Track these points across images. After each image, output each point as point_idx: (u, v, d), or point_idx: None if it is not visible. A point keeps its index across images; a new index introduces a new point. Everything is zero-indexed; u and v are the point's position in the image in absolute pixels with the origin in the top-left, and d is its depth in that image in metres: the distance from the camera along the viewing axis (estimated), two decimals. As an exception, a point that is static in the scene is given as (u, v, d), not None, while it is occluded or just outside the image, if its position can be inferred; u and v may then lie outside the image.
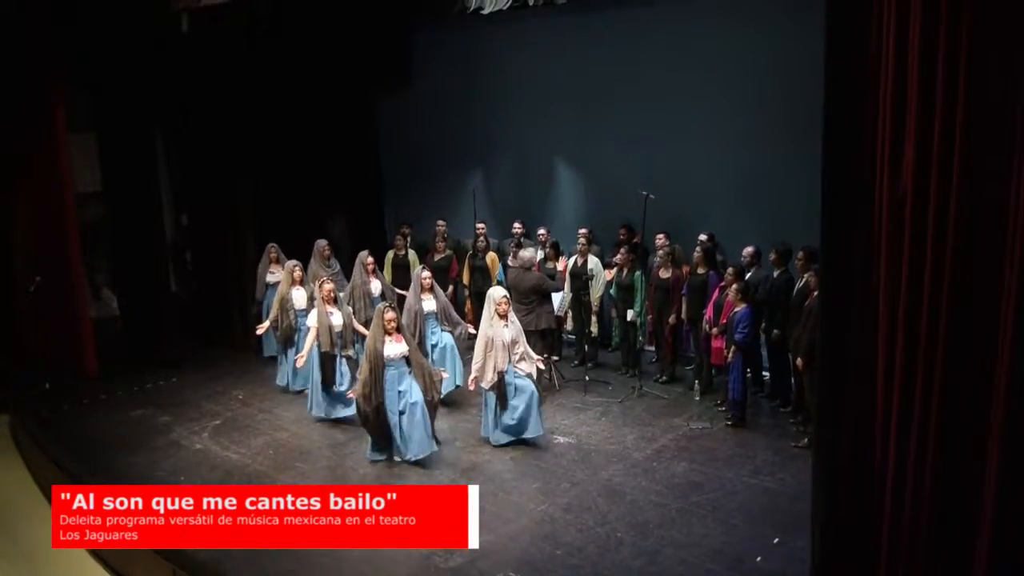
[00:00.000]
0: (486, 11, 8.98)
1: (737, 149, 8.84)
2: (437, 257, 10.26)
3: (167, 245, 10.78)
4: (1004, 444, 3.83)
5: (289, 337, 8.97)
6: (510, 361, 7.26)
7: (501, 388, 7.26)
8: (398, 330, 7.01)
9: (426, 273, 8.35)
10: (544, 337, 8.48)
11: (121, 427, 8.38)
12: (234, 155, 10.45)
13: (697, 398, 8.35)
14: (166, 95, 10.16)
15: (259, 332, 9.31)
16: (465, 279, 10.14)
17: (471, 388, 7.51)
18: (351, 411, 7.65)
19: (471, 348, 7.98)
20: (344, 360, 8.09)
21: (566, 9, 9.29)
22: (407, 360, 7.01)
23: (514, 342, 7.28)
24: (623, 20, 9.49)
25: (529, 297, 8.33)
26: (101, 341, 10.15)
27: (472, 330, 8.28)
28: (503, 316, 7.29)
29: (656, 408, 8.25)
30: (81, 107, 10.03)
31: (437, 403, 7.21)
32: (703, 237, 8.64)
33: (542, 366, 7.51)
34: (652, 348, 9.24)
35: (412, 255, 10.37)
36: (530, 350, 7.47)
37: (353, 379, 7.77)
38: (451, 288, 10.06)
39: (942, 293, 4.00)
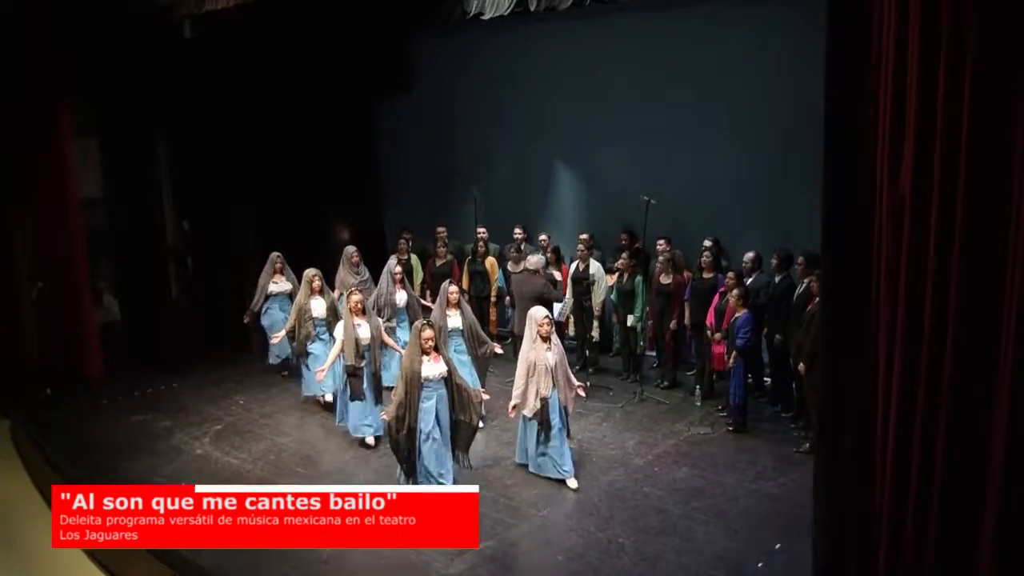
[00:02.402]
0: (487, 16, 8.96)
1: (738, 154, 8.83)
2: (438, 262, 10.23)
3: (168, 250, 10.75)
4: (1008, 451, 3.81)
5: (305, 350, 8.67)
6: (554, 386, 6.74)
7: (545, 415, 6.73)
8: (436, 349, 6.57)
9: (453, 287, 7.94)
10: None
11: (122, 432, 8.36)
12: (235, 160, 10.46)
13: (698, 403, 8.33)
14: (168, 100, 10.17)
15: (274, 341, 9.18)
16: (464, 284, 10.11)
17: (511, 416, 7.02)
18: (380, 431, 7.49)
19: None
20: (369, 375, 7.71)
21: (567, 15, 9.27)
22: (446, 381, 6.59)
23: (557, 366, 6.75)
24: (624, 25, 9.49)
25: (533, 303, 8.27)
26: (102, 346, 10.09)
27: (499, 350, 8.05)
28: (546, 338, 6.75)
29: (657, 413, 8.24)
30: (83, 112, 10.04)
31: (476, 426, 6.77)
32: (708, 243, 8.63)
33: (583, 394, 7.09)
34: (653, 353, 9.22)
35: (414, 260, 10.37)
36: (572, 376, 6.99)
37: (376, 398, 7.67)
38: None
39: (943, 296, 3.99)
